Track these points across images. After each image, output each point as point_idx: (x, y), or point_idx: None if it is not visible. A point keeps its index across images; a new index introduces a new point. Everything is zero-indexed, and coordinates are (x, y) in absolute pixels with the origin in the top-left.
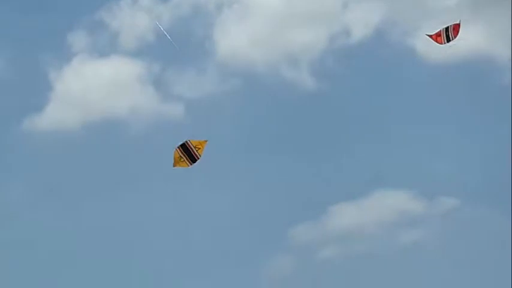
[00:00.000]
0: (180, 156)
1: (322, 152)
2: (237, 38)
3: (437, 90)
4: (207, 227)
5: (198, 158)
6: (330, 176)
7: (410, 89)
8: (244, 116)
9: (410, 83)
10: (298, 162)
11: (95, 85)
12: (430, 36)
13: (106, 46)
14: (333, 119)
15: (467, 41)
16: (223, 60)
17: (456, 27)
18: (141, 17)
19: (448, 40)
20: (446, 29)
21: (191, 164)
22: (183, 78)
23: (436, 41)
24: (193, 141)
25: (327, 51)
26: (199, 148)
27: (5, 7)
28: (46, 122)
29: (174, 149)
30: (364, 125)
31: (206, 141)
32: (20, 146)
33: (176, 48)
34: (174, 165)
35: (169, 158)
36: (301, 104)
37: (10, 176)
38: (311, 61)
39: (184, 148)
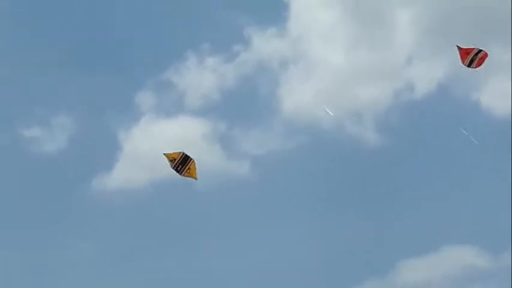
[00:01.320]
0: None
1: (387, 208)
2: (302, 95)
3: (501, 143)
4: (269, 279)
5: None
6: (395, 232)
7: (474, 143)
8: (308, 172)
9: (474, 137)
10: (363, 219)
11: (162, 144)
12: (460, 48)
13: (173, 106)
14: (398, 174)
15: None
16: (288, 117)
17: (484, 57)
18: (207, 76)
19: (470, 65)
20: (477, 53)
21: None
22: (249, 135)
23: (461, 57)
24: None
25: (391, 107)
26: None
27: (74, 68)
28: (115, 181)
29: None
30: (429, 180)
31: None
32: (90, 205)
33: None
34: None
35: (236, 215)
36: (366, 160)
37: (80, 236)
38: (375, 117)
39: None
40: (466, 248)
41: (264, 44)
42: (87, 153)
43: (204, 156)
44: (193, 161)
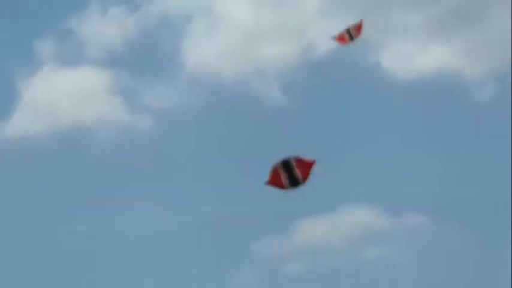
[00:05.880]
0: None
1: None
2: (206, 50)
3: (403, 107)
4: (168, 239)
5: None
6: (294, 191)
7: (376, 105)
8: (210, 129)
9: (375, 100)
10: (263, 177)
11: (62, 95)
12: (336, 39)
13: (74, 55)
14: (299, 135)
15: (435, 58)
16: (192, 72)
17: (358, 27)
18: (110, 26)
19: (352, 39)
20: (348, 30)
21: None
22: (152, 89)
23: (342, 42)
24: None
25: (296, 66)
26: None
27: None
28: (12, 131)
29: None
30: (329, 140)
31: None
32: None
33: None
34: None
35: (136, 169)
36: (268, 118)
37: None
38: (279, 75)
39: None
40: (364, 208)
41: None
42: None
43: (105, 109)
44: None
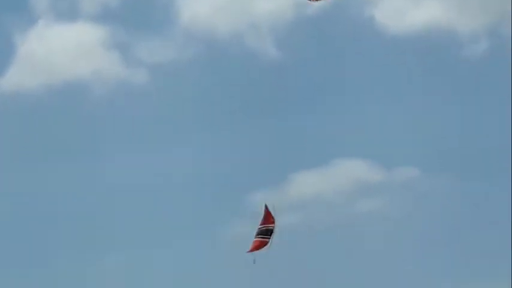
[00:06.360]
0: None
1: (281, 122)
2: (200, 5)
3: (397, 61)
4: (167, 189)
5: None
6: (289, 144)
7: (369, 60)
8: (204, 83)
9: (369, 55)
10: (258, 131)
11: (58, 49)
12: None
13: (69, 10)
14: (293, 89)
15: (428, 13)
16: (186, 27)
17: None
18: None
19: None
20: None
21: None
22: (147, 44)
23: None
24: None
25: (290, 21)
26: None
27: None
28: (8, 84)
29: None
30: (324, 95)
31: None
32: None
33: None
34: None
35: (131, 122)
36: (262, 73)
37: None
38: (274, 30)
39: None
40: (358, 161)
41: None
42: None
43: (101, 63)
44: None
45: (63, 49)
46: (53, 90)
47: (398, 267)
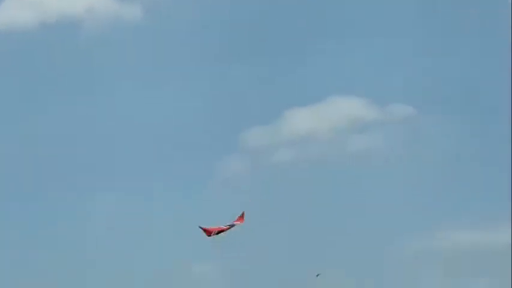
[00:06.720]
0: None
1: (278, 59)
2: None
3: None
4: (159, 128)
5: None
6: (285, 81)
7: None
8: (201, 22)
9: None
10: (253, 69)
11: None
12: None
13: None
14: (288, 28)
15: None
16: None
17: None
18: None
19: None
20: None
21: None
22: None
23: None
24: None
25: None
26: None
27: None
28: (1, 21)
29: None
30: (319, 32)
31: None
32: None
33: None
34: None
35: (125, 59)
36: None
37: None
38: None
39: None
40: (353, 99)
41: None
42: None
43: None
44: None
45: None
46: (46, 26)
47: (391, 205)
